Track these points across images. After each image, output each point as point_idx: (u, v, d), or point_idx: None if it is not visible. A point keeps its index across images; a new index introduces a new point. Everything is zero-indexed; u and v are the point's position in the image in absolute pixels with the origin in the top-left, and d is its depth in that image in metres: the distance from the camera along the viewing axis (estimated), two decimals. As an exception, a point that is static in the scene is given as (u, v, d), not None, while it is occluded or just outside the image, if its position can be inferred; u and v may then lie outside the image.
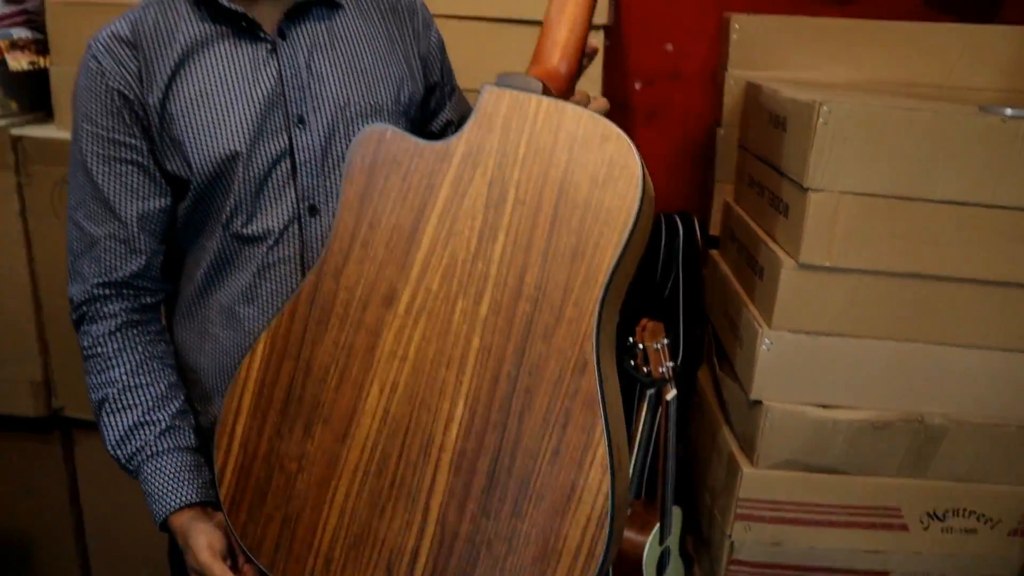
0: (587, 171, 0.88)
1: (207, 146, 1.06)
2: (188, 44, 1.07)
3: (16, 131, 1.75)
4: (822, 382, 1.49)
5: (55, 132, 1.77)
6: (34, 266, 1.81)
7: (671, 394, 1.54)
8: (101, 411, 1.10)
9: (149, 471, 1.08)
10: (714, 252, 1.96)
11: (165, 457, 1.09)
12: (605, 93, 1.83)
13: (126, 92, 1.06)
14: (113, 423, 1.09)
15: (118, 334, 1.11)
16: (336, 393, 0.95)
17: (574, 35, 1.02)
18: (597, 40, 1.70)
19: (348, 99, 1.12)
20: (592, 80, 1.74)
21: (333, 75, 1.12)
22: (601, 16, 1.71)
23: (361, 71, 1.14)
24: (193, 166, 1.07)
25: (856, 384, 1.49)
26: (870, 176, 1.39)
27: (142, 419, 1.09)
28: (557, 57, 1.01)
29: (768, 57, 1.92)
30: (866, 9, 2.03)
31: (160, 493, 1.07)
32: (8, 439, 1.96)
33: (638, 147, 0.89)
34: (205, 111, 1.07)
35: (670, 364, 1.53)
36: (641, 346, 1.52)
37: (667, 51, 2.12)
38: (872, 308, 1.45)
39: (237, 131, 1.07)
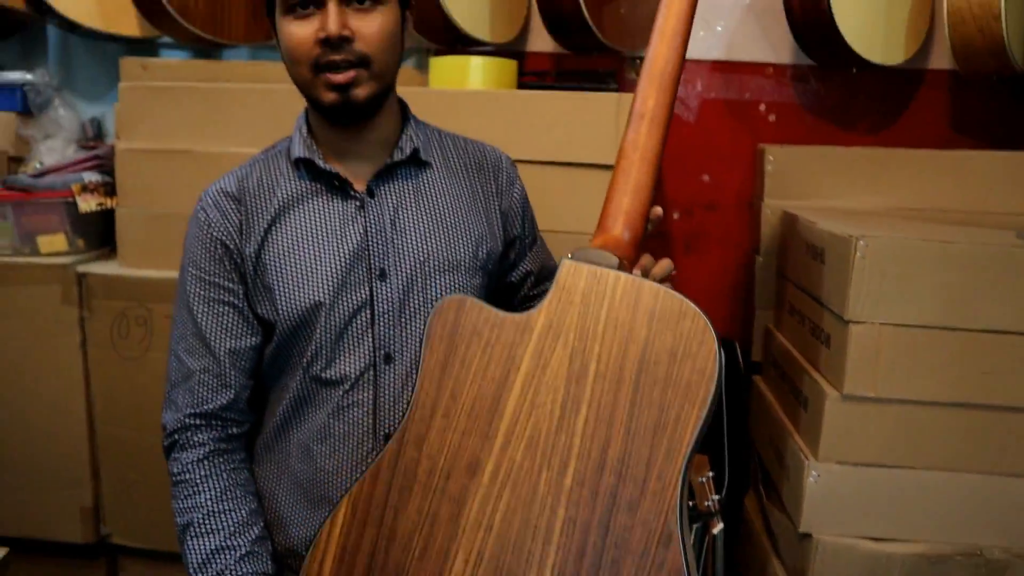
0: (666, 346, 0.91)
1: (294, 295, 1.13)
2: (285, 199, 1.15)
3: (82, 268, 1.81)
4: (873, 514, 1.47)
5: (117, 269, 1.83)
6: (91, 395, 1.85)
7: (717, 528, 1.53)
8: (185, 535, 1.14)
9: None
10: (757, 378, 1.97)
11: None
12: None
13: (227, 242, 1.14)
14: (196, 547, 1.12)
15: (205, 462, 1.15)
16: (420, 561, 0.96)
17: (638, 201, 1.05)
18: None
19: (428, 254, 1.17)
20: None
21: (416, 231, 1.17)
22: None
23: (443, 228, 1.19)
24: (280, 312, 1.13)
25: (909, 517, 1.46)
26: (911, 308, 1.40)
27: (223, 544, 1.12)
28: (621, 225, 1.04)
29: (803, 187, 1.96)
30: (898, 138, 2.09)
31: None
32: (54, 564, 1.96)
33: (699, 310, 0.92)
34: (294, 262, 1.14)
35: (715, 497, 1.52)
36: (686, 480, 1.52)
37: (704, 182, 2.17)
38: (921, 438, 1.44)
39: (323, 283, 1.13)
